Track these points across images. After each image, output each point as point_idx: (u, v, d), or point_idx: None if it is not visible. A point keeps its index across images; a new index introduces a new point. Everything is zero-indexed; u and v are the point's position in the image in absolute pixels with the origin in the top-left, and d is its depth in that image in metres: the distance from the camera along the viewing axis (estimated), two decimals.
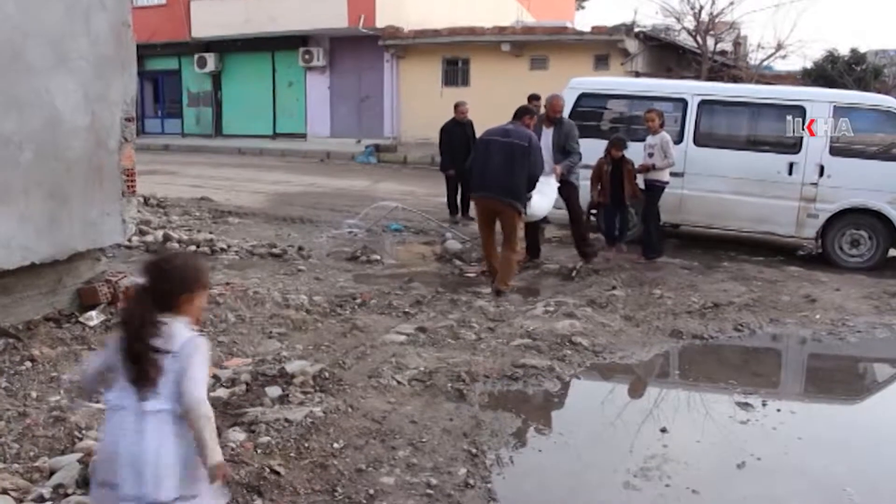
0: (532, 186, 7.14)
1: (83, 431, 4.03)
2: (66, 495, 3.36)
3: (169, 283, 2.49)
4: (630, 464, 3.89)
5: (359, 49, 23.52)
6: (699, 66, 20.60)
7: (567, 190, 8.18)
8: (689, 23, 21.86)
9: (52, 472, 3.61)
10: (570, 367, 5.20)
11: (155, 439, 2.39)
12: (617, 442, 4.30)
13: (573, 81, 10.03)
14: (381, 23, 22.40)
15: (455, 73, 22.62)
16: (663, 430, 4.30)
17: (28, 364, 4.80)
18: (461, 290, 7.17)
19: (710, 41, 21.61)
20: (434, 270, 8.08)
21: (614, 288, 7.23)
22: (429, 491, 3.48)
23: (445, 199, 11.38)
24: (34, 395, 4.44)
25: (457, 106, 11.33)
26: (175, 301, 2.49)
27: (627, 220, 9.08)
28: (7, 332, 5.16)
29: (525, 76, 20.22)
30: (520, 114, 7.45)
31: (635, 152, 8.65)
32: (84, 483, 3.49)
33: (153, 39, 23.49)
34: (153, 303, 2.47)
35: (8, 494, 3.33)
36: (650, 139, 8.54)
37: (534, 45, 21.28)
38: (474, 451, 3.89)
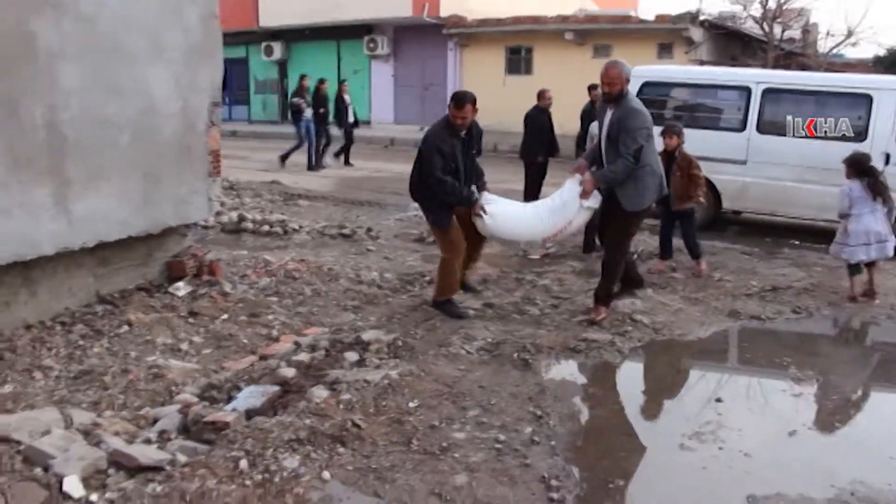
0: (435, 195, 5.69)
1: (179, 386, 4.41)
2: (170, 439, 3.72)
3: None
4: (685, 428, 4.09)
5: (423, 38, 23.81)
6: (765, 55, 20.30)
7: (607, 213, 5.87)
8: (756, 10, 21.58)
9: (154, 420, 3.99)
10: (630, 341, 5.39)
11: (883, 223, 6.58)
12: (673, 409, 4.52)
13: (636, 70, 10.01)
14: (444, 12, 22.67)
15: (518, 62, 22.74)
16: (718, 400, 4.48)
17: (126, 328, 5.21)
18: (525, 270, 7.37)
19: (777, 29, 21.27)
20: (499, 252, 8.25)
21: (674, 270, 7.40)
22: (497, 445, 3.74)
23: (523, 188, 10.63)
24: (133, 354, 4.84)
25: (541, 93, 10.79)
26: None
27: (693, 227, 7.51)
28: (106, 300, 5.62)
29: (588, 64, 20.20)
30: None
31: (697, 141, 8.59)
32: (184, 430, 3.87)
33: (222, 28, 24.12)
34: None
35: (118, 436, 3.72)
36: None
37: (597, 33, 21.26)
38: (539, 413, 4.14)
